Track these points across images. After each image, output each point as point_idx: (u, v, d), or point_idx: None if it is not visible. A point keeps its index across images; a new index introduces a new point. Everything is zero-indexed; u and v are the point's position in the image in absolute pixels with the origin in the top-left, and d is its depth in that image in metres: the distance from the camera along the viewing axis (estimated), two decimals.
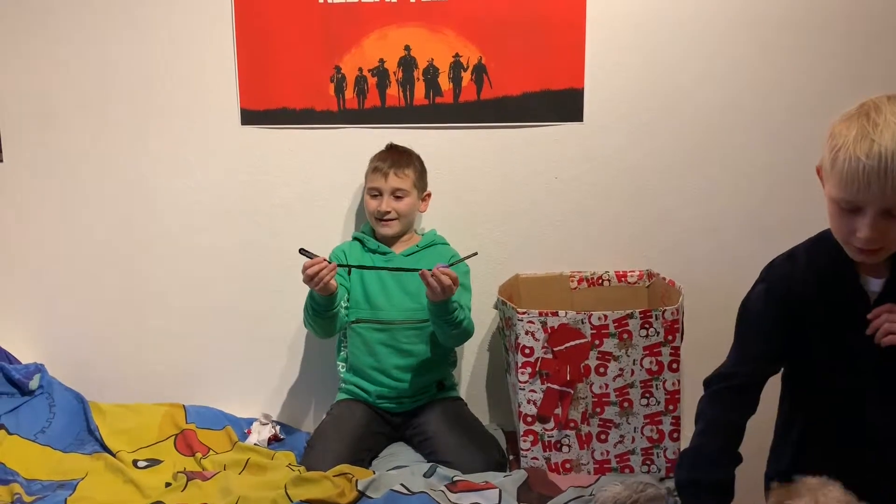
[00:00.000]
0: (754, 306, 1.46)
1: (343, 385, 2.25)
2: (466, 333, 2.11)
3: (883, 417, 1.35)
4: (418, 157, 2.20)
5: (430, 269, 1.92)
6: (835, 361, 1.38)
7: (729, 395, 1.42)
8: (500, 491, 1.78)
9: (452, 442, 2.03)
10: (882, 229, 1.20)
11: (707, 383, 1.48)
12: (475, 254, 2.07)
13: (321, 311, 2.04)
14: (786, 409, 1.54)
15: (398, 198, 2.15)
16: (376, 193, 2.16)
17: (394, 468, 1.98)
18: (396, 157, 2.17)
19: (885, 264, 1.32)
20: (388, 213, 2.15)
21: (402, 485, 1.81)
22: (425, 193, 2.23)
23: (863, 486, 1.29)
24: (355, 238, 2.25)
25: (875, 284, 1.33)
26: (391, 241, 2.21)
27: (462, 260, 2.10)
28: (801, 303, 1.39)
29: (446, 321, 2.02)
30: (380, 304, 2.16)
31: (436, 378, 2.20)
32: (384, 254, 2.20)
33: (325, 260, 1.94)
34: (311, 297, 2.05)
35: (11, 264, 2.40)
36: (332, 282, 1.96)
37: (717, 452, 1.39)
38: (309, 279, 1.93)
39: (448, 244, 2.26)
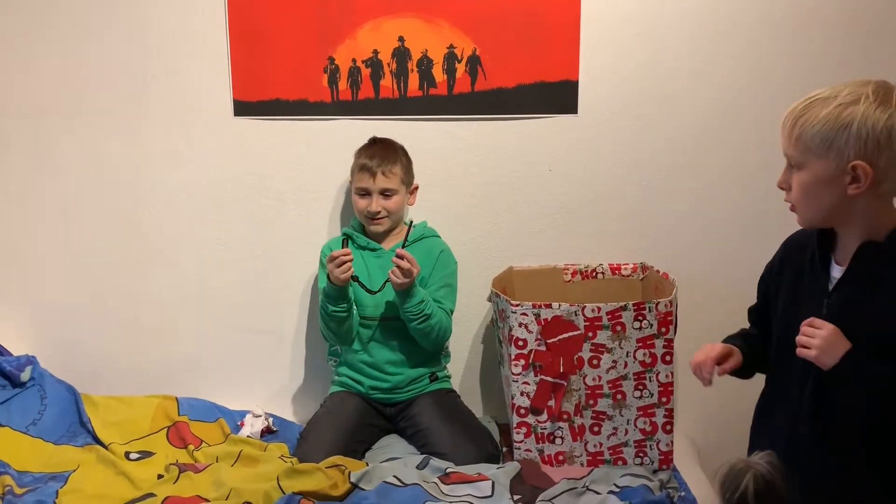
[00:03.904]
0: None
1: (336, 378, 2.24)
2: (434, 331, 2.10)
3: (825, 397, 1.33)
4: (403, 150, 2.19)
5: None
6: (784, 338, 1.37)
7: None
8: (493, 483, 1.79)
9: (445, 434, 2.03)
10: (787, 179, 1.33)
11: None
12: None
13: (336, 303, 2.05)
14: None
15: (387, 196, 2.14)
16: (364, 193, 2.14)
17: (387, 460, 1.98)
18: (382, 153, 2.15)
19: (850, 252, 1.31)
20: (379, 212, 2.14)
21: (395, 476, 1.81)
22: (412, 187, 2.22)
23: (809, 465, 1.33)
24: (345, 234, 2.25)
25: (837, 271, 1.34)
26: (381, 236, 2.21)
27: (405, 245, 2.11)
28: (781, 273, 1.45)
29: (409, 312, 2.05)
30: (365, 300, 2.15)
31: (428, 370, 2.20)
32: (374, 250, 2.20)
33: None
34: (325, 295, 2.07)
35: (2, 256, 2.39)
36: (350, 271, 2.02)
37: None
38: (339, 264, 1.99)
39: (438, 236, 2.25)
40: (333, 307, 2.06)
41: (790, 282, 1.42)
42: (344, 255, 2.01)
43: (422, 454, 2.00)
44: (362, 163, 2.14)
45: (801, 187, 1.30)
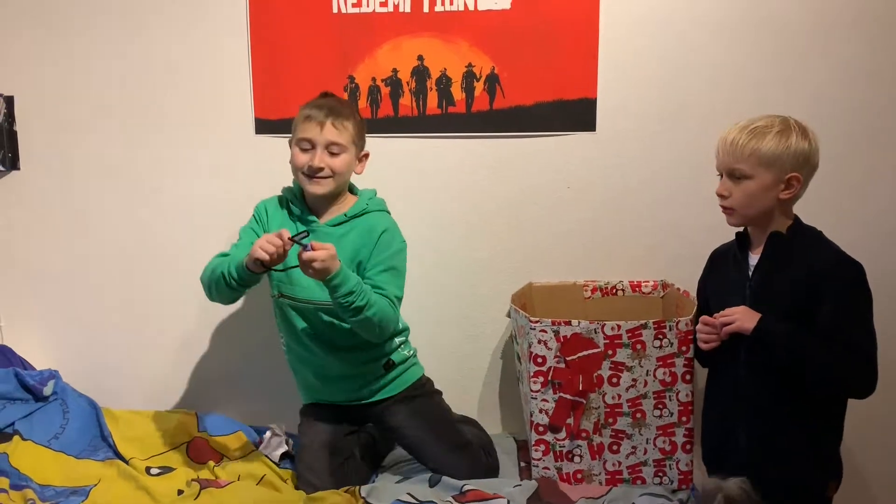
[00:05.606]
0: None
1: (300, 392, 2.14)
2: (374, 325, 1.83)
3: (749, 374, 1.70)
4: (358, 111, 2.02)
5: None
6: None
7: None
8: (509, 502, 1.77)
9: (438, 453, 1.99)
10: (729, 188, 1.70)
11: None
12: (306, 233, 1.78)
13: (241, 284, 1.81)
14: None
15: (333, 154, 1.88)
16: (308, 147, 1.88)
17: (399, 482, 1.98)
18: (334, 105, 1.91)
19: (761, 243, 1.71)
20: (321, 169, 1.87)
21: (409, 494, 1.80)
22: (363, 153, 1.98)
23: (749, 414, 1.71)
24: (284, 198, 2.02)
25: (754, 260, 1.73)
26: (319, 205, 1.96)
27: (299, 238, 1.73)
28: (709, 278, 1.90)
29: (339, 304, 1.79)
30: (299, 280, 1.91)
31: (379, 358, 2.01)
32: (307, 222, 1.95)
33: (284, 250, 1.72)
34: (237, 269, 1.78)
35: (27, 270, 2.43)
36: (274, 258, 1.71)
37: None
38: (270, 248, 1.69)
39: (386, 211, 2.02)
40: (229, 280, 1.80)
41: (719, 280, 1.84)
42: (286, 244, 1.68)
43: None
44: (308, 112, 1.88)
45: (746, 194, 1.68)
